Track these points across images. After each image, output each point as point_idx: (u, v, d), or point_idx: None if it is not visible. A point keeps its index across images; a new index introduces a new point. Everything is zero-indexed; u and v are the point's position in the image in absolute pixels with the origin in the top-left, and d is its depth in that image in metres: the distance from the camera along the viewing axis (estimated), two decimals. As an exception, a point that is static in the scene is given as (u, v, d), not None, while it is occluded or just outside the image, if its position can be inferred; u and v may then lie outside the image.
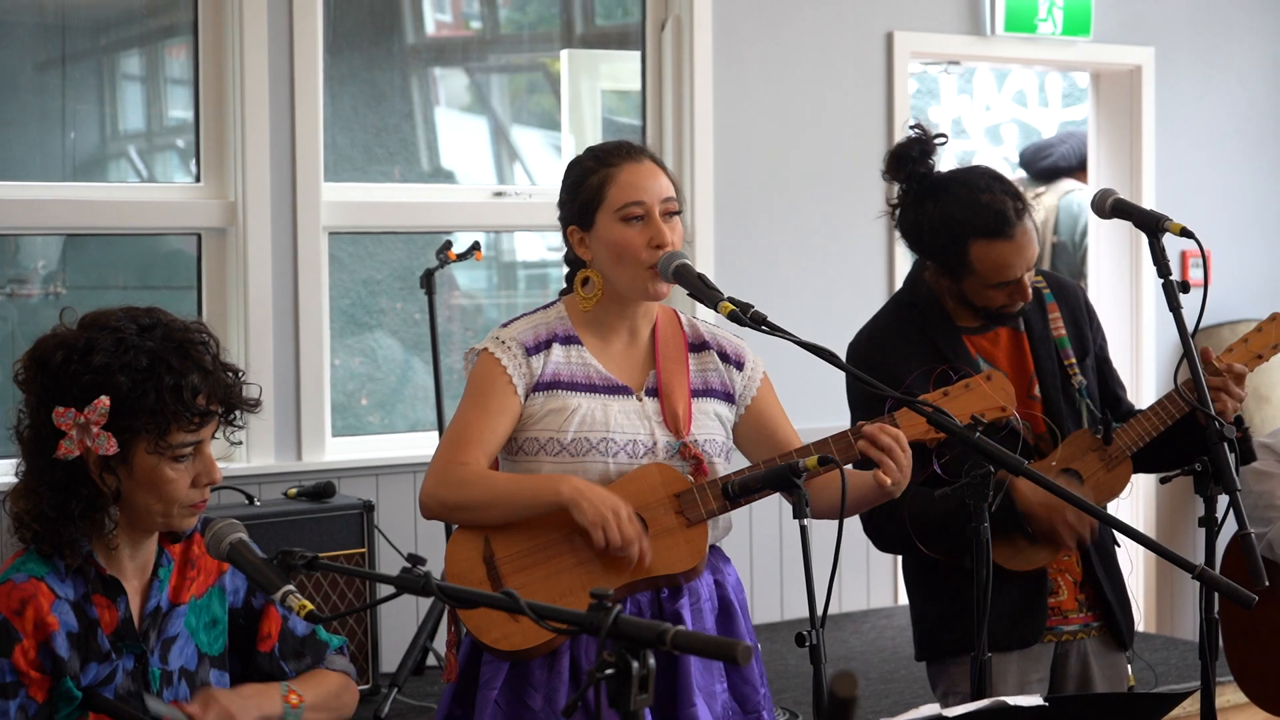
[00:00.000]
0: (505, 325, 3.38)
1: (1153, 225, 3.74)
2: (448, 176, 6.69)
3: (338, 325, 6.25)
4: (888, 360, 3.75)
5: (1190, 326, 7.20)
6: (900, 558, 3.97)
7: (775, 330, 3.23)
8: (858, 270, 6.61)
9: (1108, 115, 7.47)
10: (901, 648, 5.92)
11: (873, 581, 6.59)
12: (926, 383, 3.52)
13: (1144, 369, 7.25)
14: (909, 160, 3.80)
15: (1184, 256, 7.45)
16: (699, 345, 3.45)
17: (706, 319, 3.63)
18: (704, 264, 6.29)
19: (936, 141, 3.80)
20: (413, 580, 2.53)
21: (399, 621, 5.50)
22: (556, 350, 3.33)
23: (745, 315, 3.23)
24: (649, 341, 3.40)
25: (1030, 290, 3.76)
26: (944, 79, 11.08)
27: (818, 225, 6.60)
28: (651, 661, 2.22)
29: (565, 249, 3.42)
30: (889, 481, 3.20)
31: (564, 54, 6.64)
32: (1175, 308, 3.69)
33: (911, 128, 3.83)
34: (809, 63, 6.59)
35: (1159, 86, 7.38)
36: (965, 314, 3.83)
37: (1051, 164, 7.95)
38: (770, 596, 6.24)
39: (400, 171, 6.44)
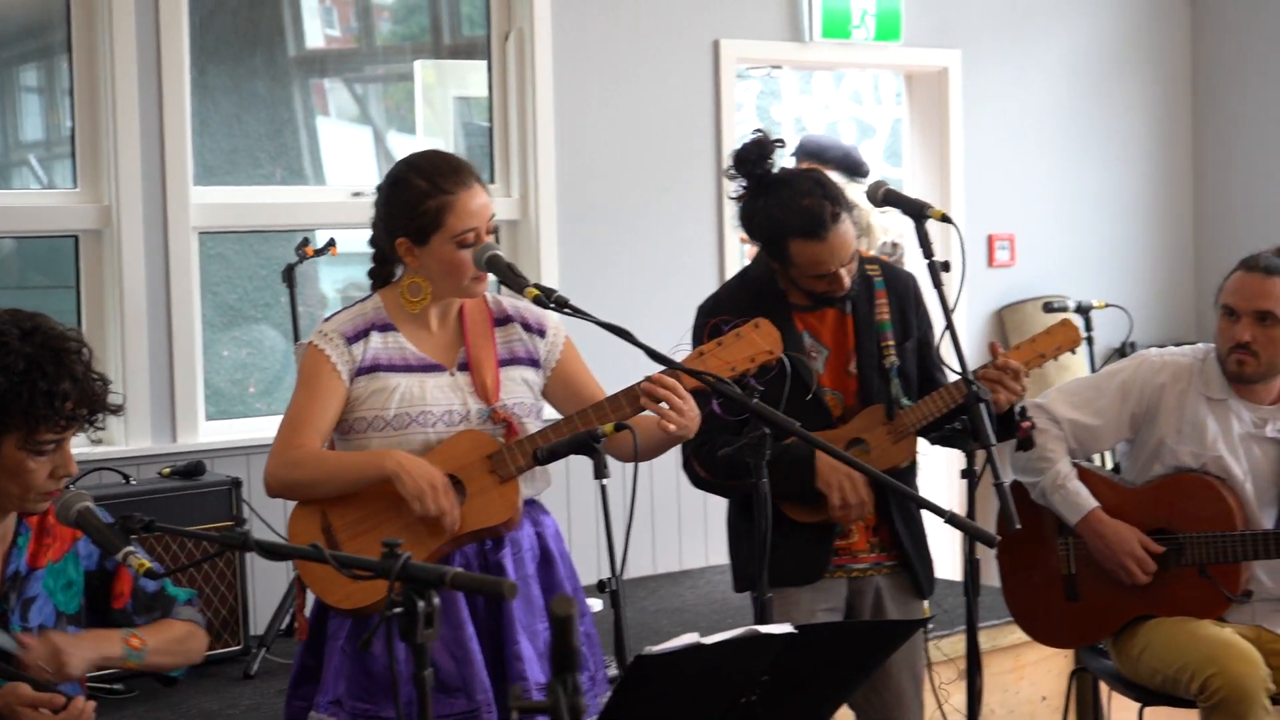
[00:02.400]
0: (327, 320, 3.55)
1: (917, 212, 3.94)
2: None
3: (225, 318, 6.36)
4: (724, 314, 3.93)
5: (998, 304, 7.46)
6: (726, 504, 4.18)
7: (577, 312, 3.41)
8: (690, 258, 6.78)
9: (919, 113, 7.70)
10: (732, 600, 6.11)
11: (710, 539, 6.78)
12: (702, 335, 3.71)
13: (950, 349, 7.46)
14: (749, 161, 3.99)
15: (990, 240, 7.70)
16: (503, 319, 3.62)
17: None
18: (548, 257, 6.46)
19: (775, 145, 4.00)
20: (235, 538, 2.69)
21: (270, 586, 5.63)
22: (375, 338, 3.50)
23: (549, 299, 3.41)
24: (457, 321, 3.58)
25: (846, 282, 3.94)
26: (785, 81, 11.29)
27: (653, 218, 6.78)
28: (436, 601, 2.40)
29: (377, 246, 3.59)
30: (671, 428, 3.39)
31: (416, 64, 6.79)
32: (937, 285, 3.89)
33: (754, 132, 4.02)
34: (643, 69, 6.75)
35: (966, 86, 7.61)
36: (797, 293, 4.02)
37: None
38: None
39: (282, 176, 6.55)
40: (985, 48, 7.69)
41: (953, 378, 3.98)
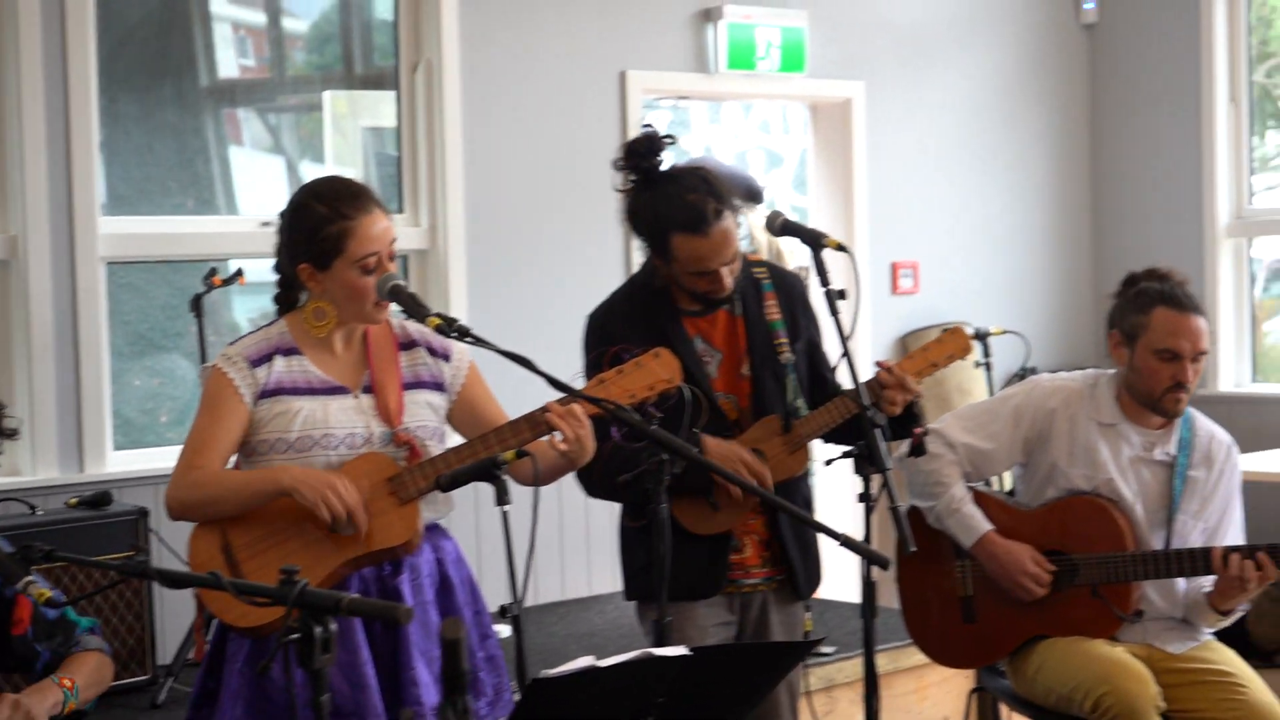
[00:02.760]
0: (232, 344, 3.57)
1: (814, 241, 3.96)
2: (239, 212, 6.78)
3: (136, 347, 6.33)
4: (615, 333, 3.93)
5: (901, 330, 7.50)
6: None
7: (478, 341, 3.45)
8: (598, 286, 6.76)
9: (824, 143, 7.79)
10: (638, 625, 6.15)
11: (618, 565, 6.80)
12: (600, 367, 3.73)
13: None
14: (638, 154, 4.00)
15: (894, 267, 7.80)
16: (408, 344, 3.66)
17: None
18: (456, 286, 6.49)
19: (664, 141, 4.00)
20: (134, 566, 2.71)
21: (177, 616, 5.61)
22: (279, 361, 3.53)
23: (451, 328, 3.45)
24: (362, 345, 3.61)
25: (728, 282, 3.95)
26: (695, 111, 11.37)
27: (562, 247, 6.82)
28: (333, 626, 2.43)
29: (281, 272, 3.62)
30: (565, 448, 3.44)
31: (326, 95, 6.80)
32: (834, 313, 3.92)
33: (644, 126, 4.03)
34: (551, 100, 6.80)
35: (869, 117, 7.71)
36: (685, 297, 4.04)
37: None
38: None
39: (193, 206, 6.53)
40: (888, 79, 7.80)
41: (845, 384, 4.02)
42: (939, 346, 4.13)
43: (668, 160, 4.03)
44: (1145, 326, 4.38)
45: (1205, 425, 4.53)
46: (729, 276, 3.96)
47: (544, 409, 3.46)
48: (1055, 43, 8.40)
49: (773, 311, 4.10)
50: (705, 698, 2.94)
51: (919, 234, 7.91)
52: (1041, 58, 8.35)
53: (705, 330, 4.06)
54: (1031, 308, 8.16)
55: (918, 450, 4.12)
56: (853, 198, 7.64)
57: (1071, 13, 8.45)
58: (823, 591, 7.88)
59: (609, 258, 6.92)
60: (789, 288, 4.17)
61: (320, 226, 3.48)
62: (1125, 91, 8.39)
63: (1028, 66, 8.31)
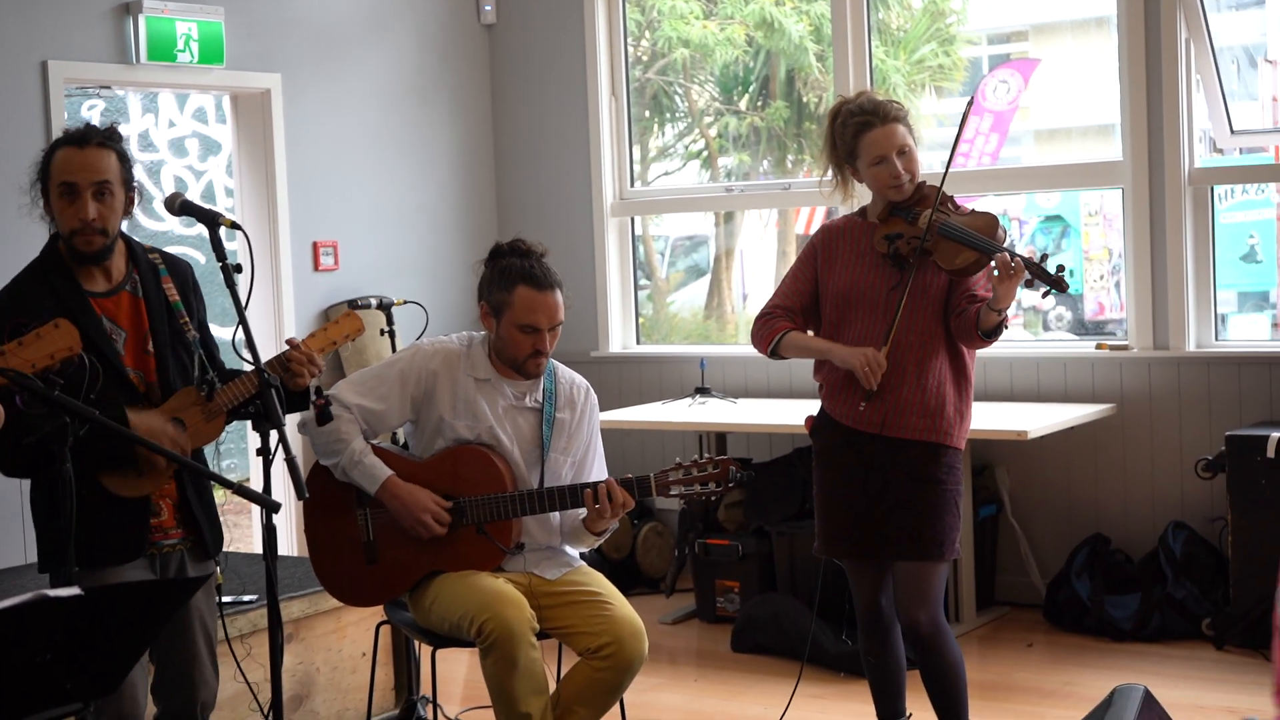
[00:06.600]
0: None
1: (211, 220, 4.11)
2: None
3: None
4: (27, 310, 3.97)
5: (323, 304, 7.58)
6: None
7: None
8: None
9: (246, 132, 7.85)
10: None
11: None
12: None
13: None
14: None
15: (315, 246, 7.96)
16: None
17: None
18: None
19: None
20: None
21: None
22: None
23: None
24: None
25: (89, 212, 4.09)
26: (131, 100, 11.18)
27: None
28: None
29: None
30: None
31: None
32: (230, 286, 4.08)
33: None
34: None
35: (287, 107, 7.82)
36: (89, 277, 4.13)
37: None
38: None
39: None
40: (304, 72, 7.92)
41: (246, 366, 4.18)
42: (336, 327, 4.37)
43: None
44: (508, 304, 4.72)
45: (566, 374, 4.91)
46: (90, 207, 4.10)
47: None
48: (459, 40, 8.72)
49: (173, 294, 4.23)
50: (102, 635, 3.05)
51: (339, 215, 8.09)
52: (447, 54, 8.66)
53: (110, 310, 4.15)
54: (443, 280, 8.47)
55: (324, 417, 4.32)
56: (275, 182, 7.74)
57: (473, 13, 8.78)
58: (254, 546, 7.95)
59: (33, 245, 6.77)
60: (182, 272, 4.31)
61: None
62: (523, 86, 8.79)
63: (435, 62, 8.60)
